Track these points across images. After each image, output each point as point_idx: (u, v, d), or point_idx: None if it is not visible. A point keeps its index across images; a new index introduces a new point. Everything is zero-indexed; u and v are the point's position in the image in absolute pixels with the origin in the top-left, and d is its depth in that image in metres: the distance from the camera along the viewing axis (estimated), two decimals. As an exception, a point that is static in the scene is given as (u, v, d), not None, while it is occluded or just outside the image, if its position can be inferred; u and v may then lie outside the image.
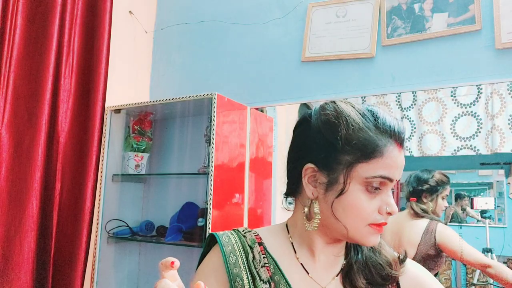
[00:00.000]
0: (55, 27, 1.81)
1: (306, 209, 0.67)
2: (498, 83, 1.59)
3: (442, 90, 1.69)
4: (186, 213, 2.02)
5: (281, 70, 2.03)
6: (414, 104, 1.73)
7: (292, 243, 0.71)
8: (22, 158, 1.70)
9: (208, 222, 1.68)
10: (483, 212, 1.79)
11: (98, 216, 1.97)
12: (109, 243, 2.03)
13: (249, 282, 0.65)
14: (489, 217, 1.78)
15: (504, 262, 1.80)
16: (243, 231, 0.72)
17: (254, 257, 0.67)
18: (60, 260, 1.84)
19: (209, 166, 1.71)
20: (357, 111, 0.64)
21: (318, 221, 0.65)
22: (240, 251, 0.68)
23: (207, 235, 0.74)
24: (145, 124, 2.20)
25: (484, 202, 1.81)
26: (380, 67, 1.82)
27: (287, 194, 0.74)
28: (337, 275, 0.71)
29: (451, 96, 1.67)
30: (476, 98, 1.63)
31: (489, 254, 1.74)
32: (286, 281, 0.66)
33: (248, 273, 0.66)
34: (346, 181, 0.62)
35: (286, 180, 0.73)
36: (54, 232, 1.84)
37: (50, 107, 1.79)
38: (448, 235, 1.60)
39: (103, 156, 2.00)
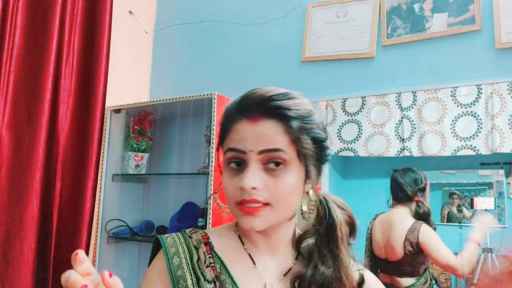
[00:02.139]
0: (55, 27, 1.81)
1: None
2: (498, 83, 1.59)
3: (442, 90, 1.69)
4: (186, 213, 2.02)
5: (281, 70, 2.03)
6: (414, 104, 1.73)
7: (239, 236, 0.71)
8: (22, 158, 1.70)
9: (208, 222, 1.68)
10: (483, 212, 1.79)
11: (98, 216, 1.97)
12: (109, 243, 2.03)
13: (193, 283, 0.64)
14: (489, 217, 1.78)
15: (504, 262, 1.80)
16: (189, 231, 0.72)
17: (199, 258, 0.67)
18: (60, 260, 1.84)
19: (209, 166, 1.71)
20: (234, 99, 0.69)
21: (225, 206, 0.67)
22: (184, 252, 0.67)
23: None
24: (145, 124, 2.20)
25: (484, 202, 1.81)
26: (380, 67, 1.82)
27: None
28: (285, 274, 0.69)
29: (451, 96, 1.67)
30: (476, 98, 1.63)
31: (489, 254, 1.74)
32: (232, 280, 0.66)
33: (192, 274, 0.65)
34: (220, 164, 0.67)
35: None
36: (54, 232, 1.84)
37: (50, 107, 1.79)
38: (430, 236, 1.63)
39: (103, 156, 2.00)
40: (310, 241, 0.70)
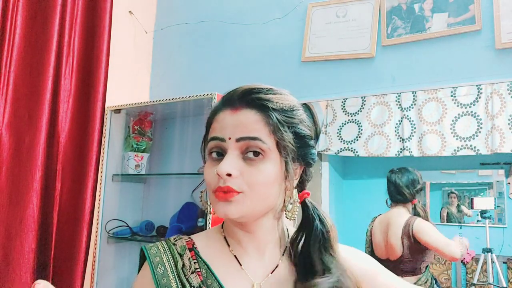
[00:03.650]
0: (55, 27, 1.81)
1: None
2: (498, 83, 1.59)
3: (442, 90, 1.69)
4: (186, 213, 2.02)
5: (281, 70, 2.03)
6: (414, 104, 1.73)
7: (224, 236, 0.71)
8: (22, 158, 1.70)
9: (208, 222, 1.68)
10: (483, 212, 1.79)
11: (98, 216, 1.97)
12: (109, 243, 2.03)
13: None
14: (489, 217, 1.78)
15: (504, 262, 1.80)
16: (174, 239, 0.72)
17: (184, 264, 0.67)
18: (60, 260, 1.84)
19: (209, 166, 1.71)
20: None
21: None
22: (169, 260, 0.68)
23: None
24: (145, 124, 2.20)
25: (484, 202, 1.81)
26: (380, 67, 1.82)
27: None
28: (272, 272, 0.69)
29: (451, 96, 1.67)
30: (476, 98, 1.63)
31: (489, 254, 1.74)
32: (219, 283, 0.65)
33: (178, 281, 0.65)
34: (204, 157, 0.68)
35: None
36: (54, 232, 1.84)
37: (50, 107, 1.79)
38: (424, 226, 1.65)
39: (103, 156, 2.00)
40: (298, 241, 0.69)
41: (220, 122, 0.64)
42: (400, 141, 1.75)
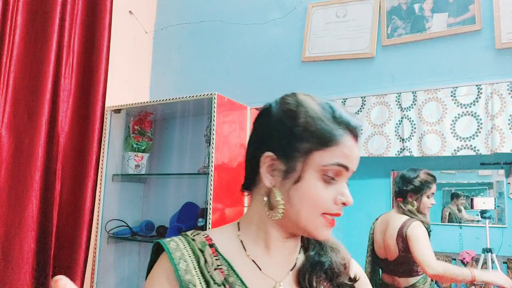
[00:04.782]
0: (55, 27, 1.81)
1: (265, 198, 0.68)
2: (498, 83, 1.59)
3: (442, 90, 1.69)
4: (186, 213, 2.02)
5: (281, 70, 2.03)
6: (414, 104, 1.73)
7: (241, 240, 0.70)
8: (22, 158, 1.70)
9: (208, 222, 1.68)
10: (483, 212, 1.79)
11: (98, 216, 1.97)
12: (109, 243, 2.03)
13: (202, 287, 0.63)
14: (489, 217, 1.78)
15: (504, 262, 1.80)
16: (191, 234, 0.70)
17: (206, 261, 0.65)
18: (60, 260, 1.84)
19: (209, 166, 1.71)
20: (316, 102, 0.67)
21: (283, 207, 0.65)
22: (190, 256, 0.66)
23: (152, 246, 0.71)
24: (145, 124, 2.20)
25: (484, 202, 1.81)
26: (380, 67, 1.82)
27: (244, 187, 0.73)
28: (291, 270, 0.70)
29: (451, 96, 1.67)
30: (476, 98, 1.63)
31: (489, 254, 1.74)
32: (242, 281, 0.65)
33: (201, 278, 0.64)
34: (303, 168, 0.63)
35: (245, 172, 0.73)
36: (54, 232, 1.84)
37: (50, 107, 1.79)
38: (416, 233, 1.62)
39: (103, 156, 2.00)
40: None
41: (350, 151, 0.64)
42: (400, 141, 1.75)
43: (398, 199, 1.74)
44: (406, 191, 1.72)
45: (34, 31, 1.78)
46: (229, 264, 0.66)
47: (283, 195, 0.65)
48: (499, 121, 1.57)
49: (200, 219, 1.90)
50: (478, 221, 1.85)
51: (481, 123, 1.62)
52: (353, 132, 0.65)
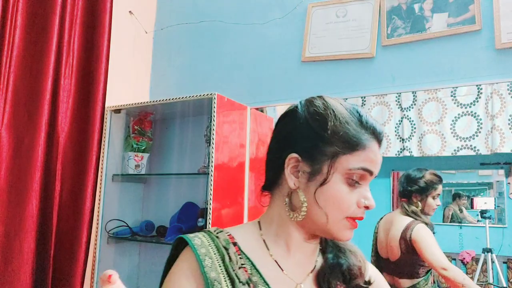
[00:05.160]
0: (55, 27, 1.81)
1: (287, 200, 0.68)
2: (498, 83, 1.59)
3: (442, 90, 1.69)
4: (186, 213, 2.02)
5: (281, 70, 2.03)
6: (414, 104, 1.73)
7: (264, 240, 0.70)
8: (22, 158, 1.70)
9: (208, 222, 1.68)
10: (483, 212, 1.79)
11: (98, 216, 1.97)
12: (109, 243, 2.03)
13: (227, 286, 0.63)
14: (489, 217, 1.78)
15: (504, 262, 1.80)
16: (215, 231, 0.69)
17: (230, 259, 0.65)
18: (60, 260, 1.84)
19: (209, 166, 1.71)
20: (343, 106, 0.68)
21: (306, 208, 0.65)
22: (215, 253, 0.65)
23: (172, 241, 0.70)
24: (145, 124, 2.20)
25: (484, 202, 1.81)
26: (380, 67, 1.82)
27: (266, 187, 0.73)
28: (311, 272, 0.70)
29: (451, 96, 1.67)
30: (476, 98, 1.63)
31: (489, 254, 1.74)
32: (265, 281, 0.65)
33: (226, 276, 0.64)
34: (329, 171, 0.64)
35: (265, 172, 0.73)
36: (54, 232, 1.84)
37: (50, 107, 1.79)
38: (422, 235, 1.61)
39: (103, 156, 2.00)
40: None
41: (375, 156, 0.66)
42: (400, 141, 1.75)
43: (403, 199, 1.73)
44: (411, 192, 1.70)
45: (34, 31, 1.78)
46: (252, 263, 0.66)
47: (307, 197, 0.65)
48: (499, 121, 1.57)
49: (200, 219, 1.90)
50: (478, 221, 1.85)
51: (481, 123, 1.62)
52: (378, 137, 0.67)
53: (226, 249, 0.66)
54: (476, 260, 1.81)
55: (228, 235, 0.69)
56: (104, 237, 1.99)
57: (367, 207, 0.65)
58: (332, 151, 0.64)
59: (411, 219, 1.67)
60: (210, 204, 1.67)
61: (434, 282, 1.73)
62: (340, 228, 0.65)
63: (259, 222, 0.73)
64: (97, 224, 1.96)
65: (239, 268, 0.64)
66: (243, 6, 2.21)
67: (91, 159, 1.92)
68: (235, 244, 0.67)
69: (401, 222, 1.68)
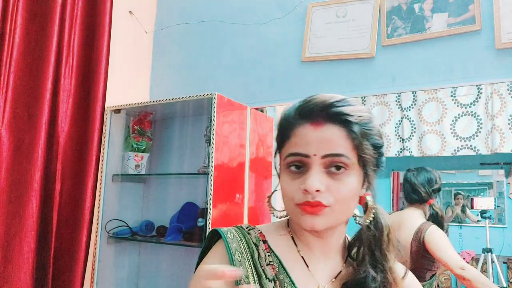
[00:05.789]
0: (55, 27, 1.81)
1: None
2: (498, 83, 1.59)
3: (442, 90, 1.69)
4: (186, 213, 2.02)
5: (281, 70, 2.03)
6: (414, 104, 1.73)
7: (292, 236, 0.71)
8: (22, 158, 1.70)
9: (208, 222, 1.68)
10: (483, 212, 1.79)
11: (98, 216, 1.97)
12: (109, 243, 2.03)
13: (254, 281, 0.65)
14: (489, 217, 1.77)
15: (504, 262, 1.80)
16: (247, 228, 0.72)
17: (259, 255, 0.67)
18: (60, 260, 1.84)
19: (209, 166, 1.71)
20: (293, 104, 0.70)
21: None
22: (245, 248, 0.68)
23: (207, 233, 0.73)
24: (145, 124, 2.20)
25: (484, 202, 1.81)
26: (380, 67, 1.82)
27: None
28: (335, 277, 0.71)
29: (451, 96, 1.67)
30: (476, 98, 1.63)
31: (489, 254, 1.74)
32: (291, 280, 0.66)
33: (254, 271, 0.66)
34: (280, 165, 0.69)
35: None
36: (54, 232, 1.84)
37: (50, 107, 1.79)
38: (437, 236, 1.59)
39: (103, 156, 2.00)
40: (359, 245, 0.72)
41: (303, 138, 0.64)
42: (400, 141, 1.75)
43: (430, 201, 1.67)
44: (431, 193, 1.67)
45: (34, 31, 1.78)
46: (279, 261, 0.68)
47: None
48: (499, 121, 1.57)
49: (200, 219, 1.90)
50: (478, 221, 1.85)
51: (481, 123, 1.62)
52: (309, 117, 0.65)
53: (256, 245, 0.68)
54: (476, 260, 1.81)
55: (259, 232, 0.71)
56: (104, 237, 1.99)
57: (305, 191, 0.62)
58: (277, 147, 0.70)
59: (424, 220, 1.65)
60: (210, 204, 1.67)
61: (437, 286, 1.72)
62: (297, 217, 0.65)
63: (288, 219, 0.75)
64: (97, 224, 1.96)
65: (267, 265, 0.66)
66: (243, 6, 2.21)
67: (91, 159, 1.92)
68: (265, 241, 0.70)
69: (413, 223, 1.64)
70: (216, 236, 0.71)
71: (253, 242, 0.68)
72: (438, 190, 1.68)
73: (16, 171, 1.69)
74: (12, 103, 1.70)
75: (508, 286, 1.77)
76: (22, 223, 1.67)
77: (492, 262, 1.72)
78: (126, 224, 2.06)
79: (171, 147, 2.26)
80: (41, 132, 1.74)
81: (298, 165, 0.65)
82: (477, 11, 1.64)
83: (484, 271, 1.76)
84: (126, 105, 2.04)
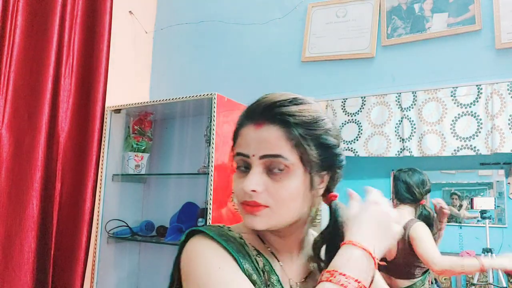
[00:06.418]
0: (55, 27, 1.81)
1: None
2: (498, 83, 1.59)
3: (442, 90, 1.69)
4: (186, 213, 2.02)
5: (281, 70, 2.03)
6: (414, 104, 1.73)
7: (258, 235, 0.71)
8: (22, 158, 1.70)
9: (208, 222, 1.68)
10: (483, 212, 1.79)
11: (98, 216, 1.97)
12: (109, 243, 2.03)
13: (251, 269, 0.63)
14: (489, 217, 1.78)
15: (504, 262, 1.80)
16: (223, 227, 0.69)
17: (248, 247, 0.65)
18: (60, 260, 1.84)
19: (209, 166, 1.71)
20: (255, 101, 0.69)
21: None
22: (234, 241, 0.66)
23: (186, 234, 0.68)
24: (145, 124, 2.20)
25: (484, 202, 1.81)
26: (380, 67, 1.82)
27: None
28: (306, 278, 0.70)
29: (451, 96, 1.67)
30: (476, 98, 1.63)
31: (489, 254, 1.74)
32: (275, 272, 0.66)
33: (250, 261, 0.64)
34: (232, 164, 0.69)
35: None
36: (54, 232, 1.84)
37: (50, 107, 1.79)
38: (420, 231, 1.62)
39: (103, 156, 2.00)
40: (320, 245, 0.71)
41: (244, 138, 0.66)
42: (400, 141, 1.75)
43: (422, 201, 1.72)
44: (424, 194, 1.72)
45: (34, 31, 1.78)
46: (261, 253, 0.67)
47: None
48: (499, 121, 1.57)
49: (200, 219, 1.90)
50: (478, 221, 1.85)
51: (481, 123, 1.62)
52: (251, 118, 0.65)
53: (241, 238, 0.67)
54: (476, 260, 1.81)
55: (231, 230, 0.70)
56: (104, 237, 1.99)
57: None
58: (232, 145, 0.71)
59: (410, 217, 1.67)
60: (210, 204, 1.67)
61: (432, 282, 1.73)
62: (242, 214, 0.66)
63: None
64: (97, 224, 1.96)
65: (257, 255, 0.66)
66: (243, 6, 2.21)
67: (91, 159, 1.92)
68: (241, 237, 0.68)
69: (402, 221, 1.67)
70: (193, 235, 0.66)
71: (238, 237, 0.66)
72: (429, 191, 1.72)
73: (16, 171, 1.69)
74: (12, 103, 1.70)
75: (508, 286, 1.77)
76: (22, 223, 1.67)
77: (492, 262, 1.73)
78: (126, 224, 2.06)
79: (171, 147, 2.27)
80: (41, 132, 1.74)
81: (246, 166, 0.65)
82: (477, 11, 1.64)
83: (484, 271, 1.76)
84: (126, 105, 2.04)
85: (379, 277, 0.78)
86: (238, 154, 0.66)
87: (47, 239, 1.77)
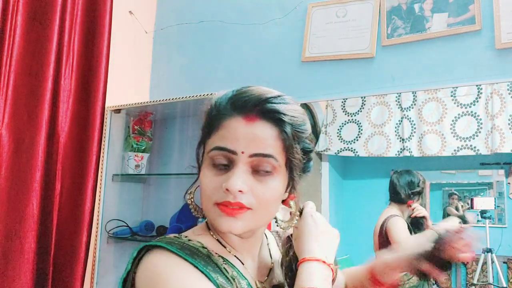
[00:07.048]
0: (55, 27, 1.81)
1: None
2: (498, 83, 1.59)
3: (442, 90, 1.69)
4: (186, 213, 2.01)
5: (281, 70, 2.03)
6: (414, 104, 1.73)
7: (217, 239, 0.66)
8: (22, 158, 1.70)
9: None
10: (483, 212, 1.79)
11: (98, 216, 1.97)
12: (109, 243, 2.03)
13: (221, 279, 0.58)
14: (489, 217, 1.78)
15: (504, 262, 1.80)
16: (179, 237, 0.63)
17: (213, 256, 0.62)
18: (60, 260, 1.84)
19: (209, 166, 1.71)
20: (226, 93, 0.66)
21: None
22: (199, 254, 0.60)
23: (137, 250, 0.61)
24: (145, 124, 2.20)
25: (484, 202, 1.81)
26: (380, 67, 1.82)
27: None
28: (267, 276, 0.70)
29: (451, 96, 1.67)
30: (476, 98, 1.63)
31: (489, 254, 1.74)
32: (242, 275, 0.64)
33: (219, 271, 0.60)
34: (202, 159, 0.63)
35: None
36: (54, 232, 1.84)
37: (50, 107, 1.79)
38: (394, 224, 1.66)
39: (103, 156, 2.00)
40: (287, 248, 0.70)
41: (232, 132, 0.59)
42: (400, 141, 1.75)
43: (409, 202, 1.74)
44: (411, 195, 1.73)
45: (34, 31, 1.78)
46: (226, 259, 0.64)
47: None
48: (499, 121, 1.57)
49: (200, 219, 1.90)
50: (478, 221, 1.85)
51: (481, 123, 1.62)
52: (239, 110, 0.60)
53: (204, 247, 0.62)
54: (476, 260, 1.81)
55: (190, 240, 0.64)
56: (104, 237, 1.99)
57: (227, 190, 0.57)
58: (201, 139, 0.64)
59: (388, 214, 1.71)
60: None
61: (436, 285, 1.74)
62: (214, 217, 0.59)
63: (206, 222, 0.69)
64: (97, 224, 1.96)
65: (224, 263, 0.62)
66: (243, 6, 2.21)
67: (91, 159, 1.92)
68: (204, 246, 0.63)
69: (382, 217, 1.71)
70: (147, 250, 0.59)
71: (200, 247, 0.61)
72: (419, 193, 1.73)
73: (16, 171, 1.69)
74: (12, 103, 1.70)
75: (508, 286, 1.77)
76: (22, 223, 1.67)
77: (492, 262, 1.72)
78: (126, 224, 2.06)
79: (171, 147, 2.26)
80: (41, 132, 1.74)
81: (224, 163, 0.59)
82: (477, 11, 1.64)
83: (484, 271, 1.76)
84: (126, 105, 2.04)
85: (339, 274, 0.79)
86: (221, 148, 0.59)
87: (47, 239, 1.77)
